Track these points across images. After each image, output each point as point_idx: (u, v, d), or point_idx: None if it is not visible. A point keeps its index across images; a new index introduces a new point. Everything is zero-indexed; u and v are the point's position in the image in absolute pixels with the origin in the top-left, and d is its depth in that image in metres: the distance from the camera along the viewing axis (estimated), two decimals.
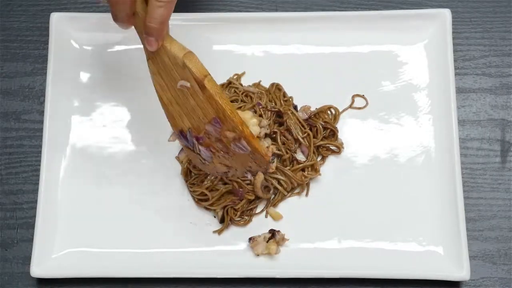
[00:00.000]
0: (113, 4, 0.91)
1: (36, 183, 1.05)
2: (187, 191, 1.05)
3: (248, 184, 1.04)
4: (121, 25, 0.94)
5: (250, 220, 1.04)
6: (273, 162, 1.03)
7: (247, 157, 0.95)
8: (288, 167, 1.05)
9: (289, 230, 1.03)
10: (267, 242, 1.02)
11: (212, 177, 1.04)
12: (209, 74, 0.91)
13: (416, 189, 1.04)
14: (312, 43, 1.11)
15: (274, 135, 1.05)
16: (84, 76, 1.10)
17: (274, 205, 1.05)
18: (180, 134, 0.97)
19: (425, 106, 1.08)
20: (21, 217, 1.06)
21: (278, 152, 1.04)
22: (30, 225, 1.04)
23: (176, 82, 0.93)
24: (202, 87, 0.91)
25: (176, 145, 1.07)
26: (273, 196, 1.05)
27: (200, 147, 0.96)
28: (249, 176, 1.00)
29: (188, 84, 0.92)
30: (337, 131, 1.08)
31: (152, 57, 0.93)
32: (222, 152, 0.96)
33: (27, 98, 1.11)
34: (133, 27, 0.94)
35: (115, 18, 0.93)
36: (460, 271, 0.99)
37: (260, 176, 1.03)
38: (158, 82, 0.95)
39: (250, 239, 1.02)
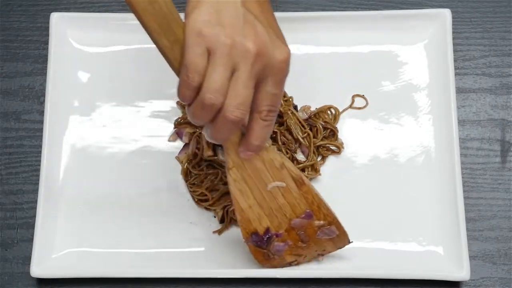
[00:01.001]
0: (219, 129, 0.83)
1: (36, 183, 1.05)
2: (187, 191, 1.05)
3: None
4: (215, 141, 0.87)
5: None
6: None
7: (327, 240, 0.99)
8: None
9: None
10: None
11: (212, 177, 1.04)
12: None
13: (416, 189, 1.04)
14: (312, 43, 1.11)
15: (274, 135, 1.05)
16: (84, 76, 1.10)
17: None
18: (252, 236, 0.97)
19: (425, 106, 1.08)
20: (21, 217, 1.06)
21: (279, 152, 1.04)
22: (30, 225, 1.04)
23: (265, 185, 0.94)
24: (300, 184, 0.94)
25: (176, 145, 1.07)
26: None
27: (276, 243, 0.98)
28: (320, 258, 1.02)
29: (284, 184, 0.94)
30: (337, 131, 1.08)
31: (239, 165, 0.92)
32: (300, 242, 0.98)
33: (27, 98, 1.11)
34: None
35: (214, 139, 0.85)
36: (460, 271, 0.99)
37: None
38: (239, 189, 0.94)
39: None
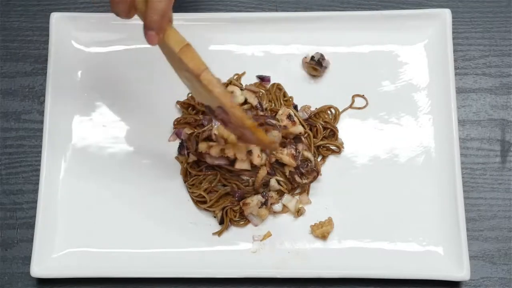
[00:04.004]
0: (112, 2, 0.91)
1: (36, 183, 1.05)
2: (186, 191, 1.05)
3: (246, 185, 1.04)
4: (122, 18, 0.94)
5: (250, 221, 1.04)
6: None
7: (256, 140, 0.96)
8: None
9: (289, 230, 1.03)
10: (260, 208, 1.02)
11: (211, 178, 1.04)
12: (207, 68, 0.91)
13: (416, 189, 1.04)
14: (312, 43, 1.11)
15: None
16: (84, 76, 1.10)
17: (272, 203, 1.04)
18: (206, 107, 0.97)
19: (425, 106, 1.08)
20: (21, 217, 1.06)
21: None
22: (30, 225, 1.04)
23: (181, 70, 0.93)
24: (200, 82, 0.91)
25: (176, 145, 1.07)
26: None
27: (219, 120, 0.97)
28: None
29: (189, 75, 0.92)
30: (337, 131, 1.08)
31: (160, 44, 0.93)
32: (236, 131, 0.97)
33: (27, 98, 1.11)
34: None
35: (115, 13, 0.93)
36: (460, 271, 0.99)
37: (264, 171, 1.03)
38: (172, 65, 0.96)
39: (241, 200, 1.03)
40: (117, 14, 0.93)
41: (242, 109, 0.96)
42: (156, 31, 0.90)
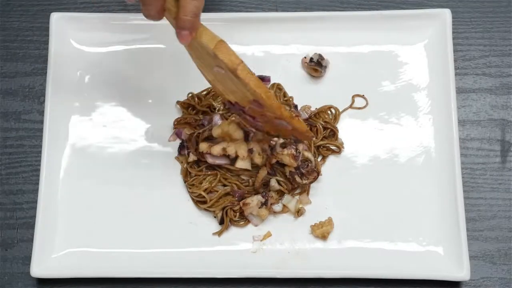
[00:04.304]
0: (144, 2, 0.91)
1: (36, 183, 1.05)
2: (186, 191, 1.05)
3: (246, 185, 1.04)
4: (151, 20, 0.93)
5: (250, 221, 1.04)
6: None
7: (290, 130, 0.98)
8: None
9: (289, 230, 1.03)
10: (260, 208, 1.03)
11: (211, 178, 1.04)
12: (242, 62, 0.92)
13: (416, 189, 1.04)
14: (312, 43, 1.11)
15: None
16: (84, 76, 1.10)
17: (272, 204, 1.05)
18: (229, 102, 1.00)
19: (425, 106, 1.08)
20: (21, 217, 1.06)
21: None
22: (30, 225, 1.04)
23: (212, 67, 0.94)
24: (236, 76, 0.92)
25: (176, 145, 1.07)
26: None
27: (246, 116, 0.99)
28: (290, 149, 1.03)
29: (223, 71, 0.93)
30: (337, 131, 1.08)
31: (189, 44, 0.94)
32: (268, 124, 0.99)
33: (27, 98, 1.11)
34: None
35: (146, 15, 0.92)
36: (460, 271, 0.99)
37: (264, 171, 1.03)
38: (198, 64, 0.97)
39: (241, 200, 1.03)
40: (147, 17, 0.92)
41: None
42: (190, 30, 0.91)
